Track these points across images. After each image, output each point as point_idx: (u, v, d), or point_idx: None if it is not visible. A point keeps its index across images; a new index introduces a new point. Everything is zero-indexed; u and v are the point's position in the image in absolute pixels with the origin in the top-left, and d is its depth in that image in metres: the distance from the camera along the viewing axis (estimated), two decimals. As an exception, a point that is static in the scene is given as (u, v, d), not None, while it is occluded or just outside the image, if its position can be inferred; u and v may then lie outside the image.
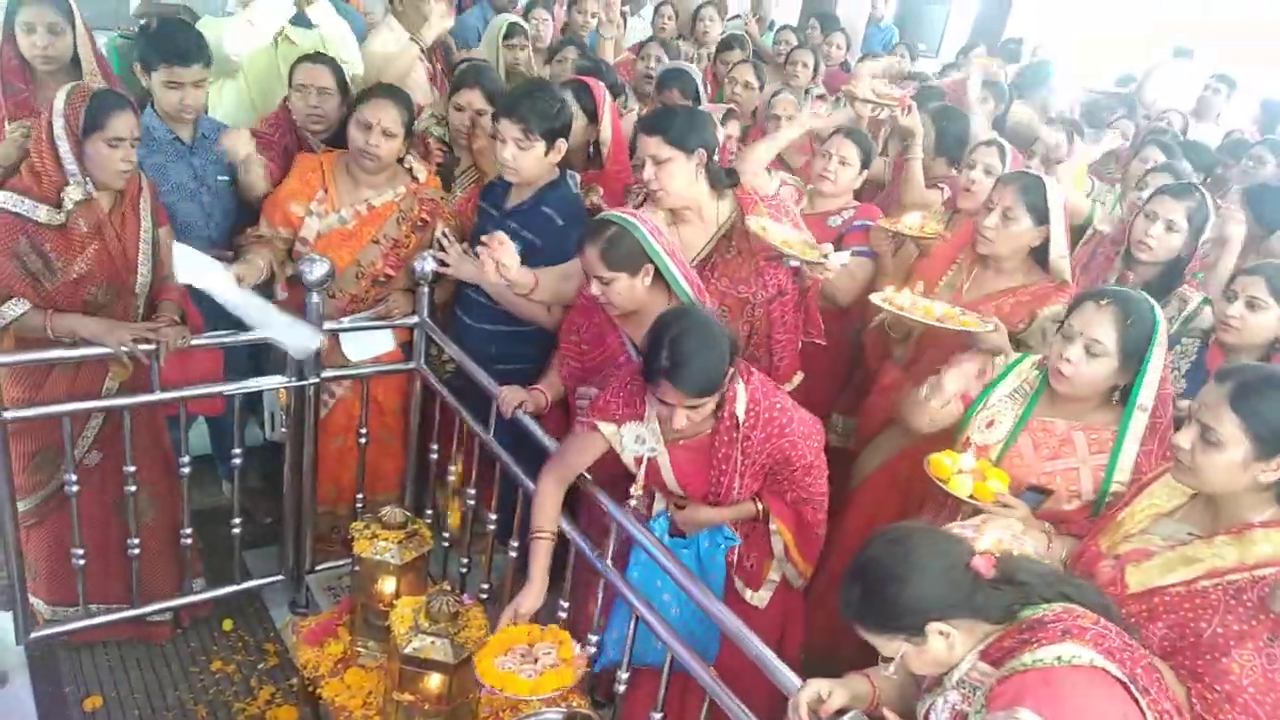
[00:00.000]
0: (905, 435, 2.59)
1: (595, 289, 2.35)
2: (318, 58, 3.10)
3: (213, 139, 2.84)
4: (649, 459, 2.20)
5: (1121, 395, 2.14)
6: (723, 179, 2.64)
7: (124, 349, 2.31)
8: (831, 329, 2.84)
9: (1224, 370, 1.81)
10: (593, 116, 3.08)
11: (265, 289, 2.70)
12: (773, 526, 2.27)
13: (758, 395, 2.16)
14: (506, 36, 3.96)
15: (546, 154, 2.64)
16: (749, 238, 2.56)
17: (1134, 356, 2.08)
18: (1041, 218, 2.55)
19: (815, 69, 4.69)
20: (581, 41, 4.28)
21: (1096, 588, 1.54)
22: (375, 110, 2.67)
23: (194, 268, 2.40)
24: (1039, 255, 2.63)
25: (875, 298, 2.52)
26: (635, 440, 2.21)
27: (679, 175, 2.51)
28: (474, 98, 3.06)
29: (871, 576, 1.49)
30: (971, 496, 2.04)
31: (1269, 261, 2.45)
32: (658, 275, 2.36)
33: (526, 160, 2.62)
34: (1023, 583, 1.46)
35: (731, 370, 2.08)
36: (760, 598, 2.34)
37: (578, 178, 2.99)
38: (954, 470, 2.08)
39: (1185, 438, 1.74)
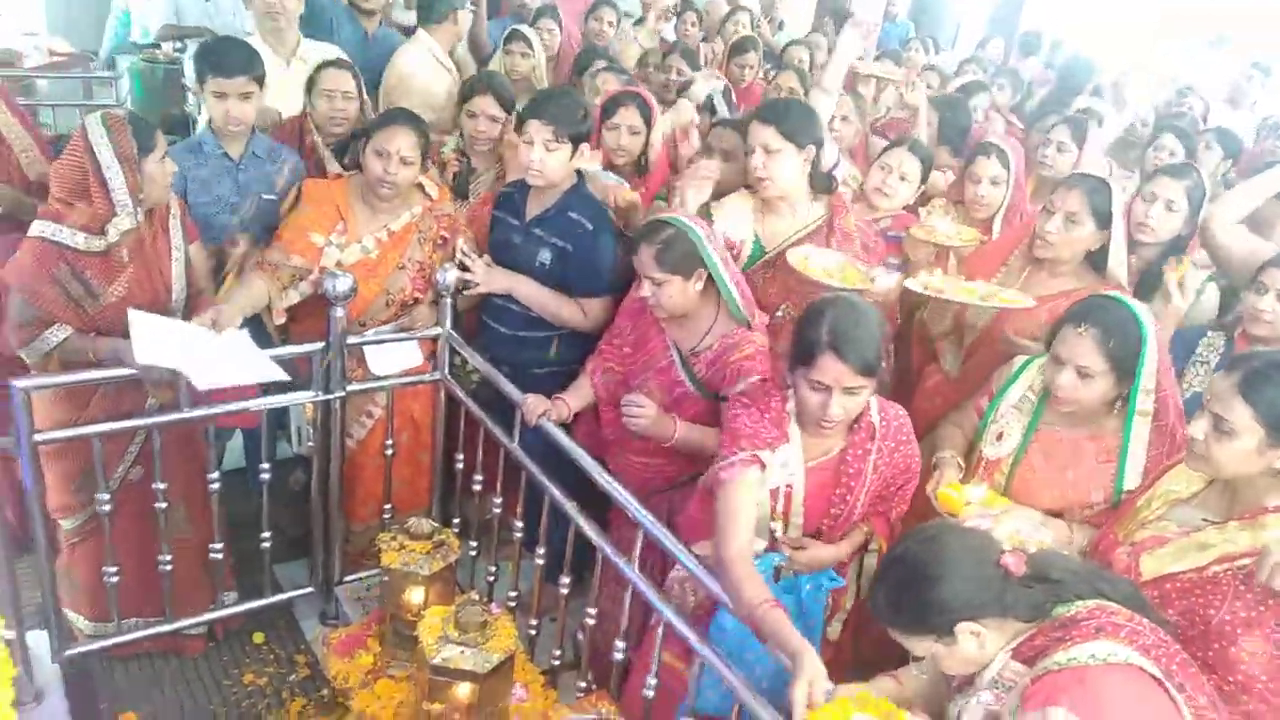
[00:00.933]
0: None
1: (646, 290, 2.36)
2: (340, 64, 3.19)
3: (263, 158, 2.93)
4: (784, 487, 2.08)
5: (1125, 402, 2.12)
6: (823, 180, 2.71)
7: (155, 376, 2.34)
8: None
9: (1234, 359, 1.82)
10: (646, 129, 3.13)
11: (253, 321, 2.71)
12: (872, 547, 2.20)
13: (883, 402, 2.13)
14: (507, 42, 3.97)
15: (571, 157, 2.69)
16: (792, 270, 2.53)
17: (1127, 367, 2.06)
18: (1104, 222, 2.51)
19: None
20: (606, 51, 4.26)
21: (1130, 581, 1.52)
22: (392, 138, 2.66)
23: (151, 342, 2.29)
24: (1094, 257, 2.59)
25: (912, 283, 2.48)
26: (780, 466, 2.07)
27: (787, 167, 2.60)
28: (486, 104, 3.11)
29: (902, 576, 1.49)
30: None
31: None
32: (709, 282, 2.37)
33: (553, 161, 2.65)
34: (1055, 580, 1.45)
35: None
36: (834, 630, 2.26)
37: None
38: (963, 503, 2.06)
39: (1198, 428, 1.74)
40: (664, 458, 2.54)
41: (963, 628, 1.43)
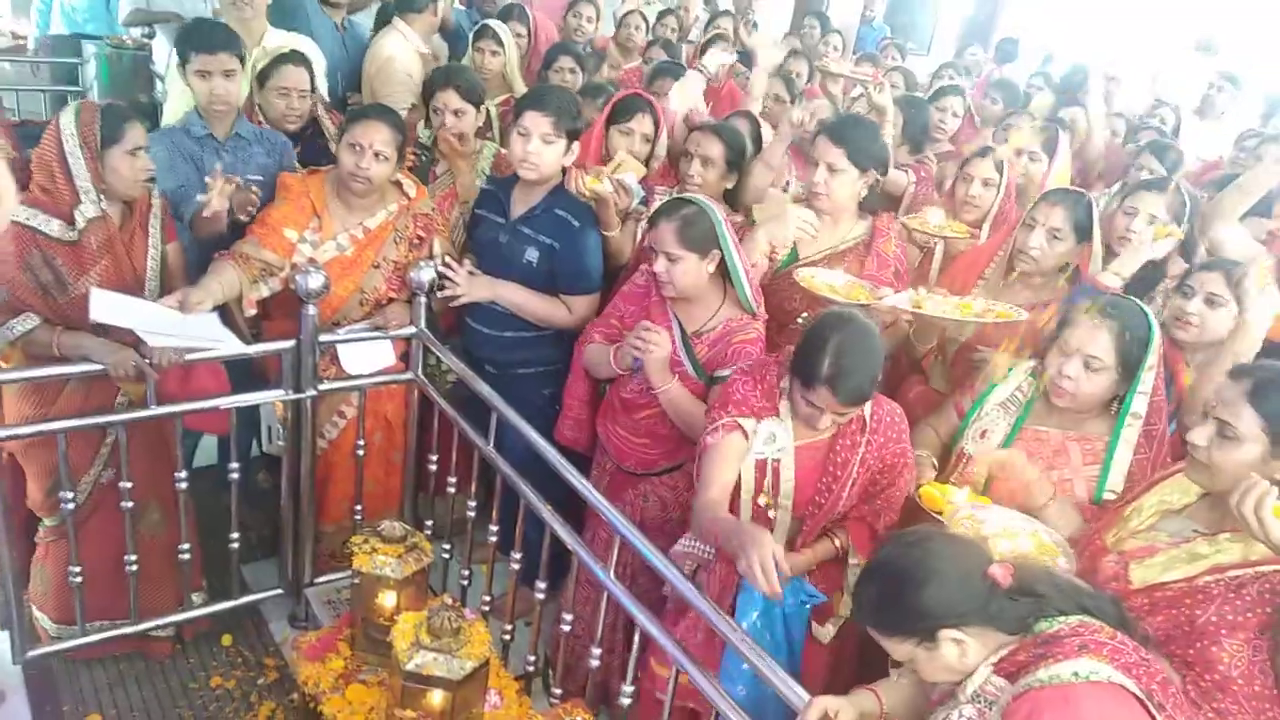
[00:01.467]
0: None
1: (660, 265, 2.38)
2: (295, 58, 3.09)
3: (249, 140, 2.91)
4: (772, 461, 2.11)
5: (1119, 403, 2.14)
6: (873, 201, 2.79)
7: (121, 372, 2.29)
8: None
9: (1240, 368, 1.84)
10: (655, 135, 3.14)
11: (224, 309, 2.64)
12: (853, 561, 2.19)
13: (879, 398, 2.14)
14: (476, 39, 3.90)
15: (565, 153, 2.71)
16: (798, 287, 2.58)
17: (1132, 367, 2.08)
18: (1085, 235, 2.55)
19: (810, 76, 4.67)
20: (576, 50, 4.22)
21: (1114, 598, 1.52)
22: (367, 132, 2.62)
23: (110, 307, 2.26)
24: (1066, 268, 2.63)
25: (897, 301, 2.48)
26: (766, 439, 2.11)
27: (847, 187, 2.65)
28: (449, 98, 3.06)
29: (887, 578, 1.48)
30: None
31: (1226, 257, 2.45)
32: (720, 266, 2.40)
33: (549, 155, 2.67)
34: (1040, 594, 1.45)
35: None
36: (825, 633, 2.25)
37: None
38: (946, 501, 2.06)
39: (1201, 434, 1.74)
40: (648, 438, 2.57)
41: (946, 634, 1.42)
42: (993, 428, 2.25)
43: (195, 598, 2.73)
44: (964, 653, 1.44)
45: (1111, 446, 2.12)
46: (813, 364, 1.95)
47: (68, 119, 2.29)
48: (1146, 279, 2.74)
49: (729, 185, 2.99)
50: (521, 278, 2.78)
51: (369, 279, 2.77)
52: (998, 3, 9.14)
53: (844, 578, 2.22)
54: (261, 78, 3.09)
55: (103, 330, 2.33)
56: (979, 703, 1.43)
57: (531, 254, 2.75)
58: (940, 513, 2.05)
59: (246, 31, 3.46)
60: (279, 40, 3.45)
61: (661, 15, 5.61)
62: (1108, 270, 2.58)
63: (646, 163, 3.11)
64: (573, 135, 2.72)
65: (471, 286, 2.76)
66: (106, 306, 2.25)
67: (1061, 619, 1.42)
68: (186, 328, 2.34)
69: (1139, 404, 2.10)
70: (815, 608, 2.20)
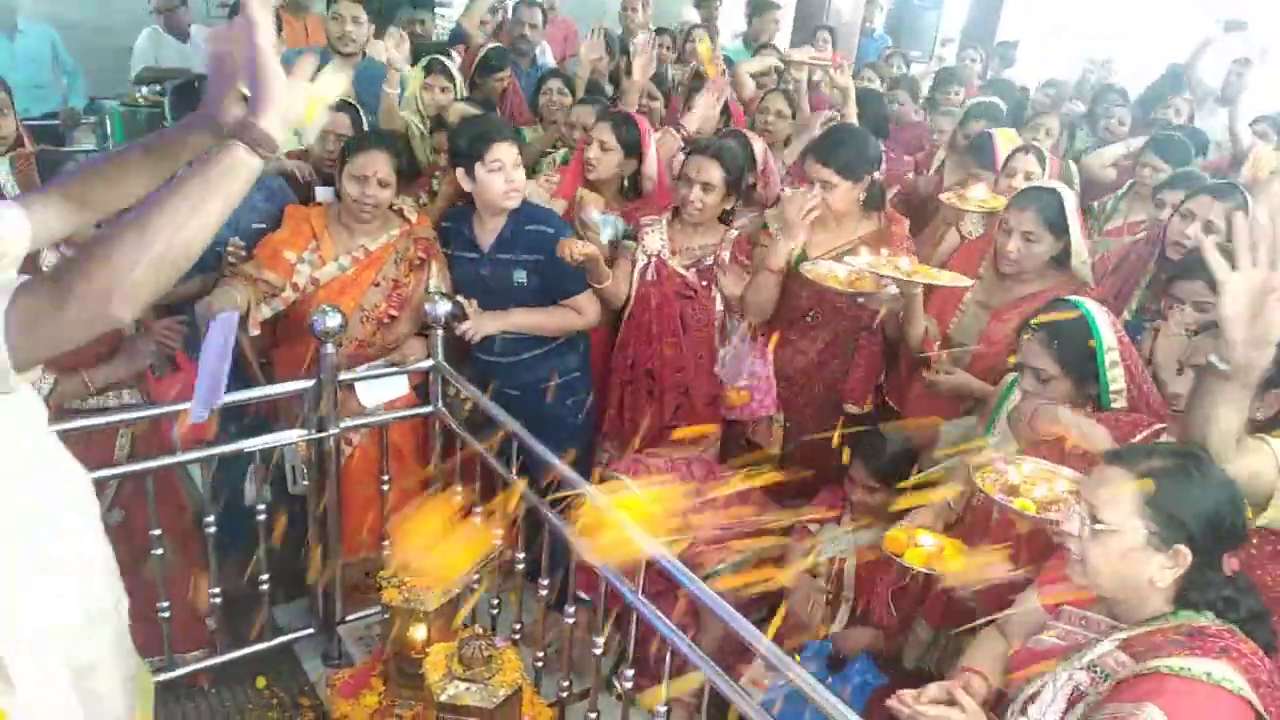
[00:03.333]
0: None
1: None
2: (341, 105, 3.21)
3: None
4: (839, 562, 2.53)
5: (1095, 404, 2.12)
6: (875, 199, 2.88)
7: (152, 354, 2.45)
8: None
9: (1209, 326, 1.85)
10: (631, 149, 3.14)
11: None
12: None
13: None
14: (427, 74, 3.87)
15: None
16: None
17: (1083, 369, 2.08)
18: (1061, 231, 2.55)
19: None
20: (566, 73, 4.26)
21: (1265, 613, 1.49)
22: (369, 163, 2.72)
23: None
24: (1058, 256, 2.63)
25: (830, 266, 2.58)
26: (830, 541, 2.57)
27: (845, 200, 2.77)
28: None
29: (1181, 459, 1.46)
30: (926, 567, 2.04)
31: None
32: None
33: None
34: (1240, 590, 1.45)
35: None
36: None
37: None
38: (910, 546, 2.07)
39: (1185, 386, 1.80)
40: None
41: (1182, 549, 1.40)
42: (1005, 442, 2.26)
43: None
44: (1163, 579, 1.42)
45: None
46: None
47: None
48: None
49: (728, 207, 3.02)
50: (517, 301, 2.83)
51: (369, 297, 2.83)
52: (997, 7, 9.16)
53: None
54: None
55: (103, 354, 2.40)
56: (1094, 671, 1.41)
57: (520, 275, 2.81)
58: (901, 555, 2.06)
59: None
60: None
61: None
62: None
63: (626, 178, 3.16)
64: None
65: (480, 323, 2.80)
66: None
67: (1208, 616, 1.41)
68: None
69: (1116, 401, 2.09)
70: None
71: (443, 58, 4.00)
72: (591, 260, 2.76)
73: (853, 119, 3.70)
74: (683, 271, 2.98)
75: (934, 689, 1.55)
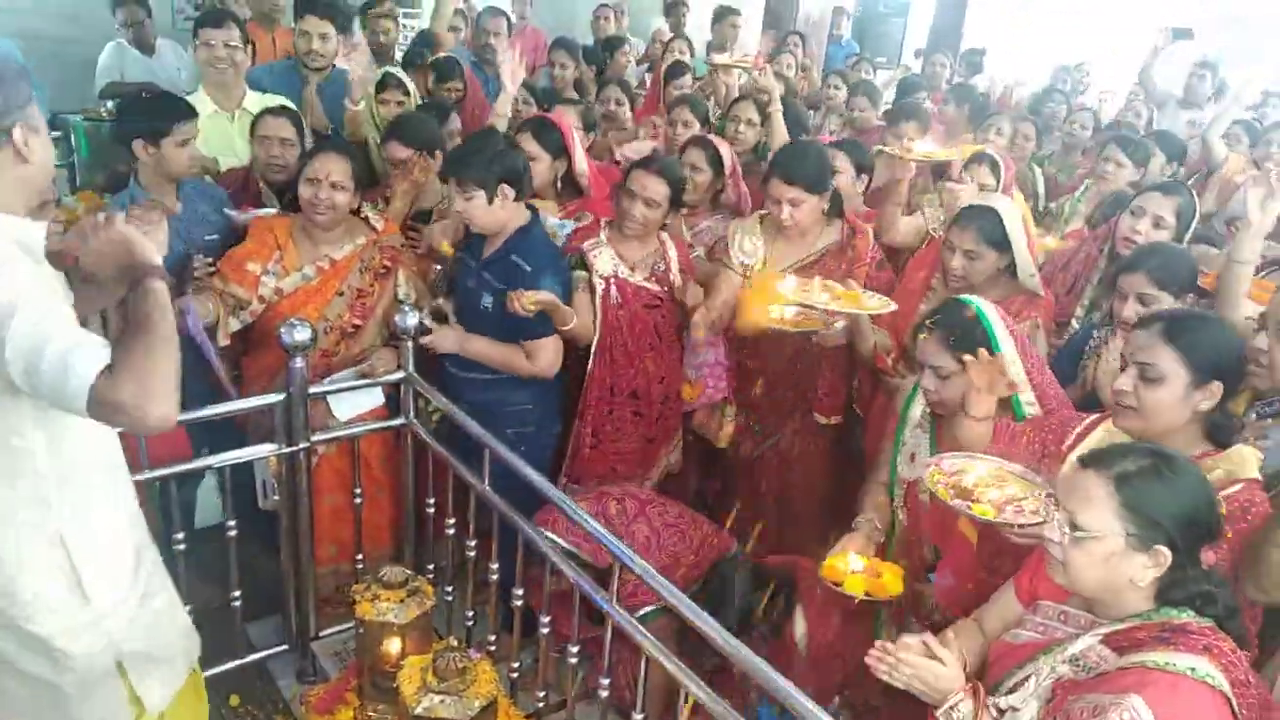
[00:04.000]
0: None
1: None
2: (280, 110, 3.22)
3: (196, 199, 2.91)
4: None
5: (1006, 406, 2.15)
6: (836, 206, 2.93)
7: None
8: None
9: (1147, 315, 1.94)
10: (557, 152, 3.12)
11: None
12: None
13: None
14: (380, 89, 3.81)
15: (491, 200, 2.68)
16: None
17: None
18: (1003, 246, 2.55)
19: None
20: (530, 84, 4.27)
21: (1232, 593, 1.51)
22: (323, 165, 2.71)
23: None
24: (1009, 268, 2.64)
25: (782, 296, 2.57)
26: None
27: (810, 215, 2.83)
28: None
29: (1155, 457, 1.48)
30: (867, 594, 2.07)
31: (1150, 255, 2.43)
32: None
33: (476, 211, 2.69)
34: (1215, 587, 1.46)
35: None
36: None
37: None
38: (846, 573, 2.10)
39: (1126, 381, 1.82)
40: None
41: (1161, 549, 1.41)
42: (918, 449, 2.29)
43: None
44: (1144, 579, 1.44)
45: None
46: None
47: None
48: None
49: (669, 221, 2.99)
50: (482, 324, 2.80)
51: (331, 307, 2.83)
52: (961, 14, 9.28)
53: None
54: (252, 131, 3.18)
55: None
56: (1077, 665, 1.43)
57: (487, 300, 2.77)
58: (840, 584, 2.08)
59: (227, 95, 3.53)
60: (261, 102, 3.52)
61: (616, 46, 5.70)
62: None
63: (560, 178, 3.18)
64: (493, 181, 2.65)
65: (441, 338, 2.78)
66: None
67: (1188, 613, 1.42)
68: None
69: (1025, 396, 2.13)
70: None
71: (397, 70, 3.97)
72: (547, 305, 2.70)
73: (779, 123, 3.82)
74: (646, 284, 2.97)
75: (913, 642, 1.55)
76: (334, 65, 3.98)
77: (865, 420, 2.99)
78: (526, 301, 2.63)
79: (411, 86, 3.92)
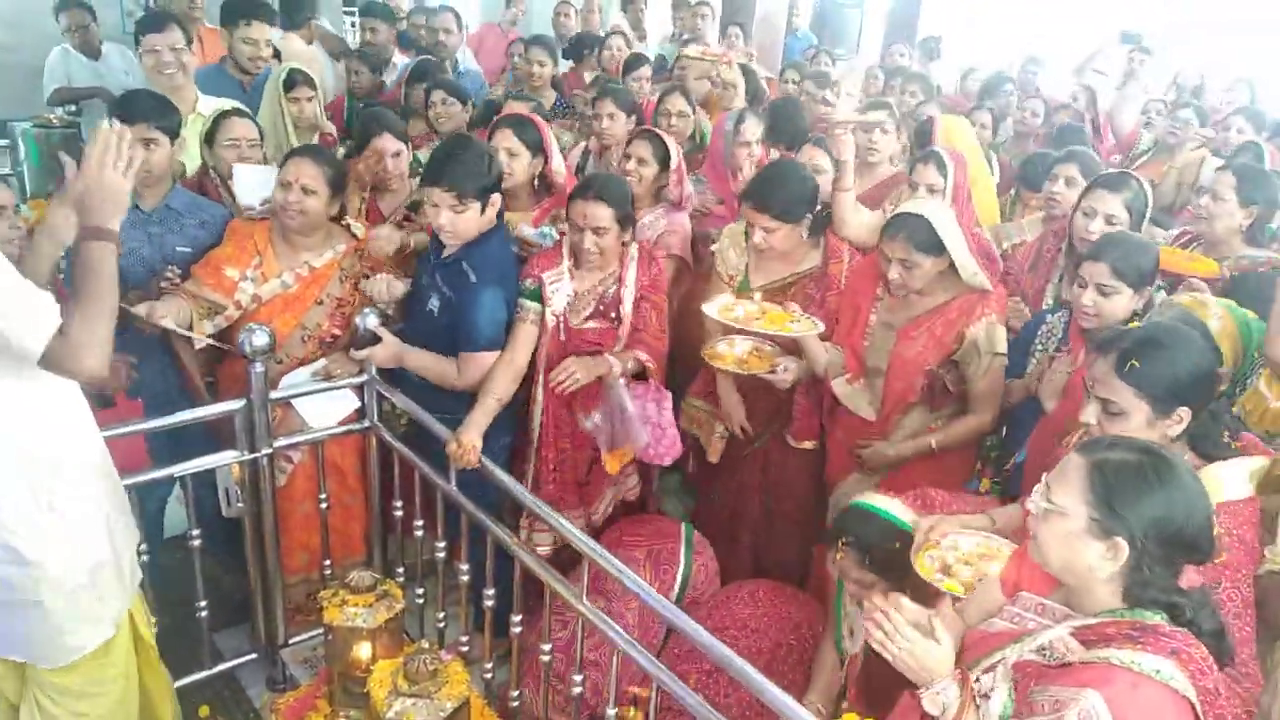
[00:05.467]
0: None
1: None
2: (238, 112, 3.15)
3: (180, 212, 2.84)
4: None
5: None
6: (818, 227, 2.87)
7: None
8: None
9: (1104, 340, 1.88)
10: (537, 151, 3.10)
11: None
12: None
13: None
14: (288, 89, 3.68)
15: (483, 212, 2.62)
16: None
17: (939, 250, 2.32)
18: (937, 250, 2.50)
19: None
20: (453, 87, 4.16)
21: (1223, 629, 1.48)
22: (295, 169, 2.66)
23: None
24: (953, 268, 2.57)
25: (709, 308, 2.62)
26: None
27: (786, 240, 2.77)
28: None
29: (1141, 454, 1.45)
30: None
31: (1113, 245, 2.43)
32: None
33: (463, 224, 2.59)
34: (1184, 594, 1.44)
35: None
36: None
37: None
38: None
39: (1090, 414, 1.81)
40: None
41: (1120, 540, 1.39)
42: (856, 621, 2.25)
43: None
44: (1103, 570, 1.42)
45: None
46: None
47: None
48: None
49: (625, 241, 2.77)
50: (425, 326, 2.72)
51: (310, 315, 2.78)
52: (917, 3, 9.35)
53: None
54: (209, 139, 3.10)
55: None
56: (1044, 654, 1.43)
57: (434, 302, 2.70)
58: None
59: (179, 99, 3.45)
60: (214, 105, 3.45)
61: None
62: None
63: (537, 177, 3.15)
64: (486, 193, 2.59)
65: (374, 351, 2.65)
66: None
67: (1160, 615, 1.41)
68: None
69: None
70: None
71: (301, 67, 3.86)
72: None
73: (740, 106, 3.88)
74: (588, 325, 2.78)
75: (915, 612, 1.56)
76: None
77: (827, 450, 2.95)
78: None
79: (319, 85, 3.86)
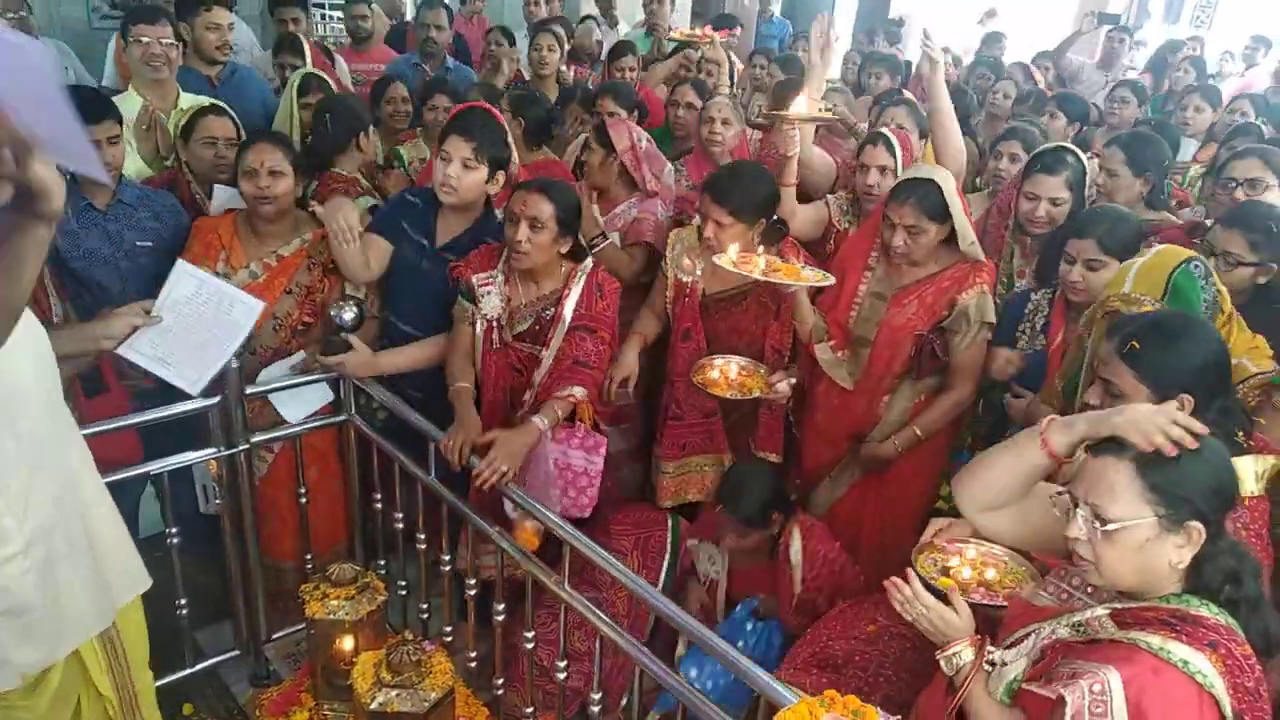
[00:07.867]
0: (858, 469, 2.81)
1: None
2: (216, 109, 3.10)
3: (133, 205, 2.80)
4: (713, 579, 2.73)
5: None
6: (773, 233, 2.82)
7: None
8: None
9: (1118, 322, 1.88)
10: (609, 149, 3.13)
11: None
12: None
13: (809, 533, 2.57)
14: (301, 94, 3.61)
15: (487, 181, 2.66)
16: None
17: (943, 215, 2.42)
18: (943, 217, 2.53)
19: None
20: (454, 90, 4.14)
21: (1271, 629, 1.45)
22: (258, 154, 2.64)
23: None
24: (949, 239, 2.61)
25: (722, 260, 2.57)
26: (707, 559, 2.75)
27: (735, 239, 2.68)
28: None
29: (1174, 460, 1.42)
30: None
31: (1098, 220, 2.47)
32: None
33: (468, 181, 2.62)
34: (1243, 586, 1.42)
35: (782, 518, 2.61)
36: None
37: None
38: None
39: (1094, 395, 1.81)
40: None
41: (1194, 525, 1.37)
42: None
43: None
44: (1181, 559, 1.39)
45: None
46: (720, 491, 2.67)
47: None
48: (1061, 240, 2.79)
49: (563, 250, 2.60)
50: (433, 307, 2.73)
51: (281, 304, 2.76)
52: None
53: None
54: (185, 134, 3.06)
55: None
56: (1078, 630, 1.44)
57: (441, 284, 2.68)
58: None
59: (162, 94, 3.41)
60: (195, 102, 3.40)
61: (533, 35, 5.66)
62: None
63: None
64: (496, 164, 2.64)
65: (354, 365, 2.61)
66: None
67: (1211, 608, 1.38)
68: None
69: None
70: None
71: (317, 72, 3.85)
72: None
73: (726, 88, 3.98)
74: (517, 345, 2.65)
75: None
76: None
77: (800, 439, 2.98)
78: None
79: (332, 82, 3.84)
